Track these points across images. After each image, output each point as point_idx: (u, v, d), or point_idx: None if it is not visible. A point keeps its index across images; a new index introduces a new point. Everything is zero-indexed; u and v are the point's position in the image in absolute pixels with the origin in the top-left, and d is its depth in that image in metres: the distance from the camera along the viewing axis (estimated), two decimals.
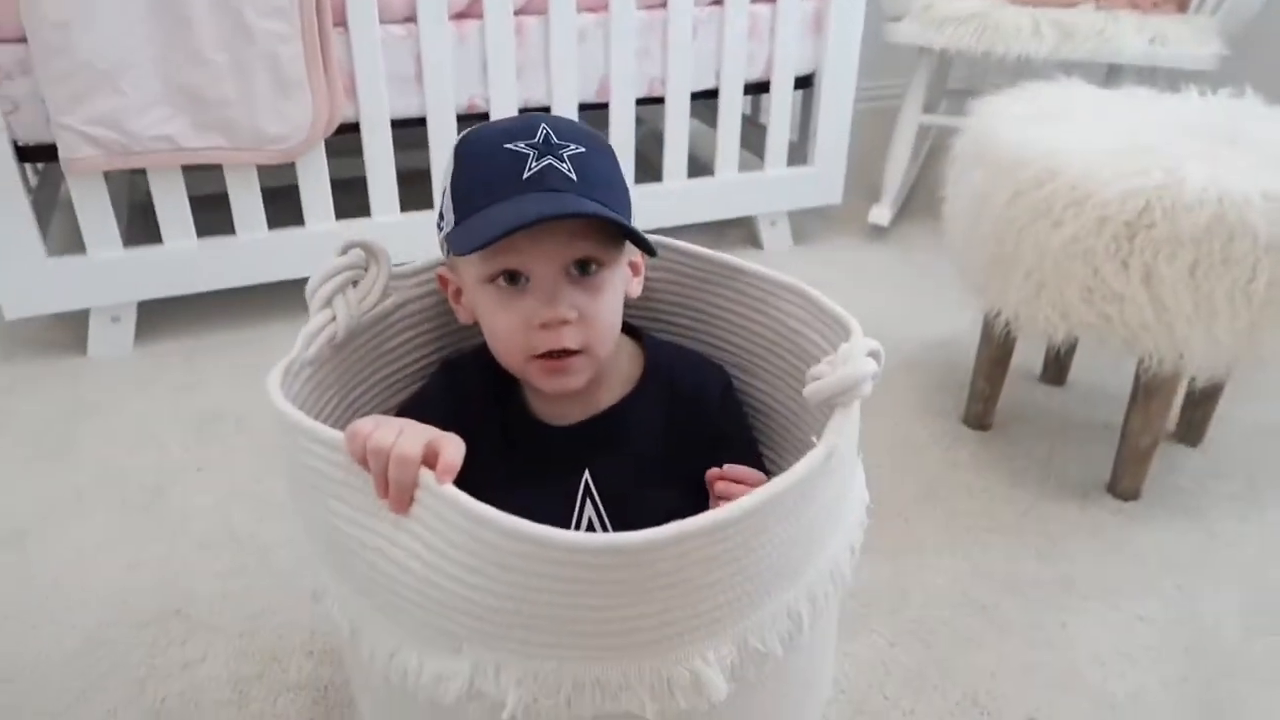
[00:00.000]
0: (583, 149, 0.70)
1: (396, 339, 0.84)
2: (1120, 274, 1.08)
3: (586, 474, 0.76)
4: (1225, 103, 1.29)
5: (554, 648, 0.55)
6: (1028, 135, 1.17)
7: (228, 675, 0.97)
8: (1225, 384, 1.29)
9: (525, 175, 0.68)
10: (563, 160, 0.69)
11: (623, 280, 0.76)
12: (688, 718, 0.59)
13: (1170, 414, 1.22)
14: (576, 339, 0.71)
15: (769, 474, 0.79)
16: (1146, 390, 1.17)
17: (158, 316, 1.65)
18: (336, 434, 0.60)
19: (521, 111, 1.68)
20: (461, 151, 0.72)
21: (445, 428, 0.63)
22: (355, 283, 0.76)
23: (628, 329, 0.80)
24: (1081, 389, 1.50)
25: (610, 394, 0.79)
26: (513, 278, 0.71)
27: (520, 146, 0.69)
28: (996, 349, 1.34)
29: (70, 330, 1.62)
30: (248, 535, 1.17)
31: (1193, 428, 1.36)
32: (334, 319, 0.74)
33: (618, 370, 0.80)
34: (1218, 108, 1.27)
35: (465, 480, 0.58)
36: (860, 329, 0.69)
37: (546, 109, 1.69)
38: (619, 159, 0.75)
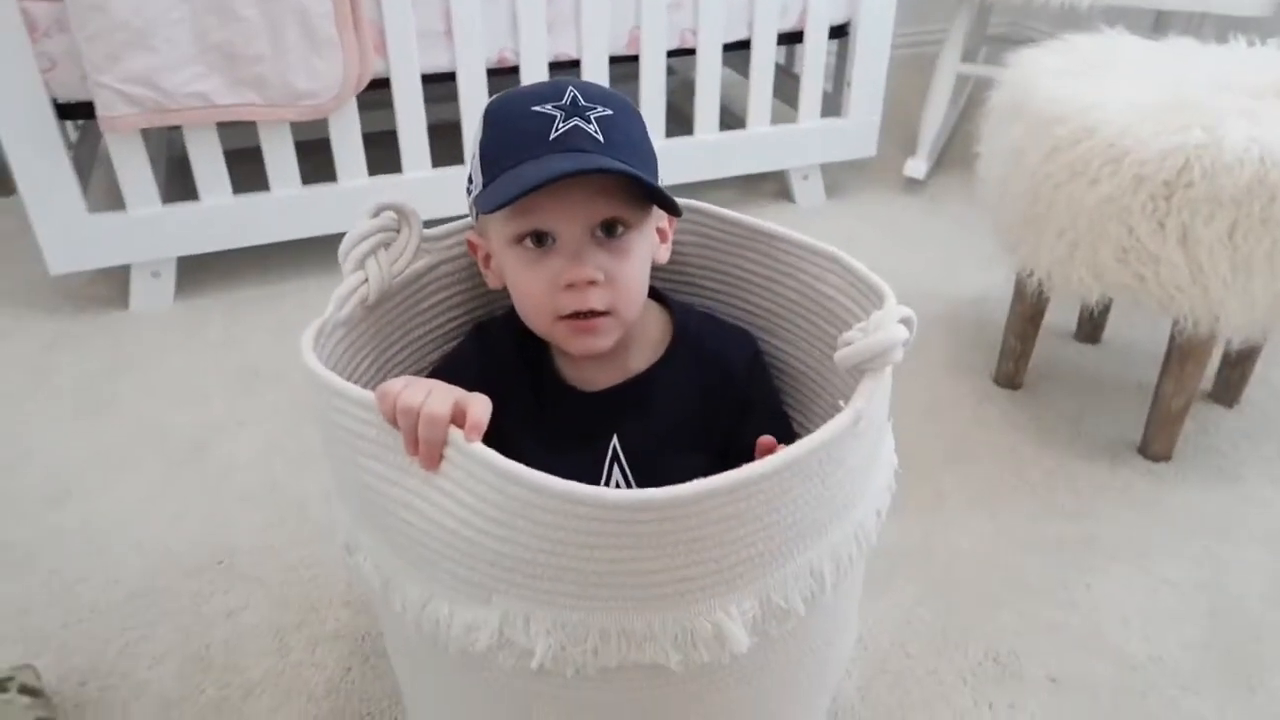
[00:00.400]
0: (610, 111, 0.71)
1: (429, 300, 0.85)
2: (1156, 235, 1.06)
3: (615, 439, 0.78)
4: (1274, 53, 1.25)
5: (580, 599, 0.57)
6: (1066, 89, 1.15)
7: (269, 624, 1.00)
8: (1263, 346, 1.27)
9: (552, 136, 0.68)
10: (589, 122, 0.69)
11: (650, 244, 0.77)
12: (711, 670, 0.61)
13: (1206, 375, 1.20)
14: (603, 300, 0.72)
15: (797, 438, 0.80)
16: (1181, 352, 1.16)
17: (198, 271, 1.68)
18: (367, 394, 0.61)
19: (551, 65, 1.67)
20: (489, 115, 0.73)
21: (476, 389, 0.64)
22: (387, 245, 0.77)
23: (655, 295, 0.81)
24: (1116, 347, 1.49)
25: (638, 360, 0.80)
26: (539, 239, 0.71)
27: (547, 109, 0.69)
28: (1029, 308, 1.33)
29: (113, 284, 1.66)
30: (287, 488, 1.20)
31: (1229, 388, 1.34)
32: (366, 281, 0.75)
33: (646, 336, 0.80)
34: (1266, 58, 1.24)
35: (495, 442, 0.60)
36: (894, 296, 0.69)
37: (577, 62, 1.68)
38: (649, 112, 0.75)
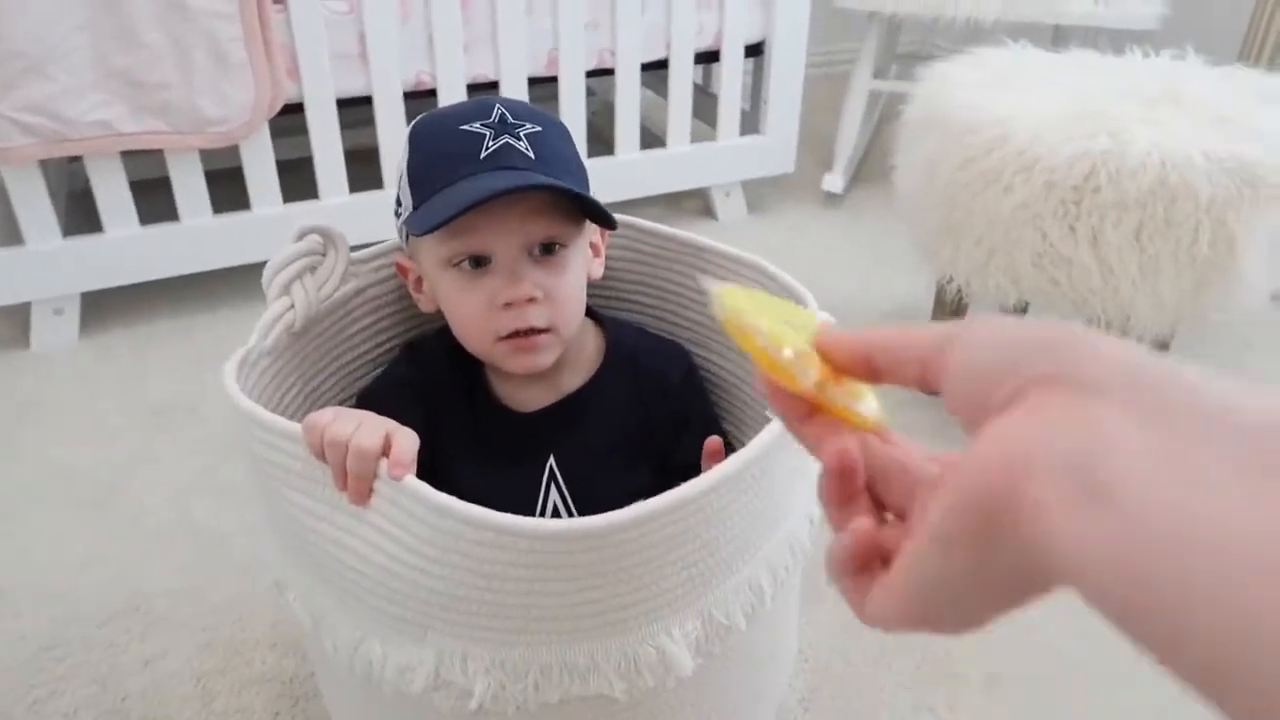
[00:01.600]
0: (539, 128, 0.70)
1: (357, 325, 0.83)
2: (1068, 238, 1.09)
3: (551, 459, 0.76)
4: (1168, 64, 1.31)
5: (520, 633, 0.55)
6: (978, 101, 1.18)
7: (190, 670, 0.95)
8: (1171, 343, 1.32)
9: (483, 154, 0.68)
10: (519, 139, 0.69)
11: (585, 259, 0.76)
12: (655, 695, 0.60)
13: None
14: (543, 317, 0.71)
15: (732, 450, 0.80)
16: None
17: (103, 307, 1.61)
18: (294, 426, 0.59)
19: (470, 87, 1.65)
20: (415, 136, 0.72)
21: (411, 411, 0.64)
22: (313, 269, 0.75)
23: (588, 312, 0.80)
24: None
25: (573, 378, 0.79)
26: (476, 261, 0.70)
27: (476, 127, 0.69)
28: (949, 315, 1.35)
29: (12, 324, 1.58)
30: (205, 527, 1.15)
31: None
32: (292, 307, 0.73)
33: (581, 354, 0.79)
34: (1161, 69, 1.29)
35: (431, 465, 0.58)
36: (814, 302, 0.70)
37: (495, 84, 1.67)
38: (571, 134, 0.75)
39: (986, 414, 0.27)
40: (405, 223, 0.72)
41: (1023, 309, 1.45)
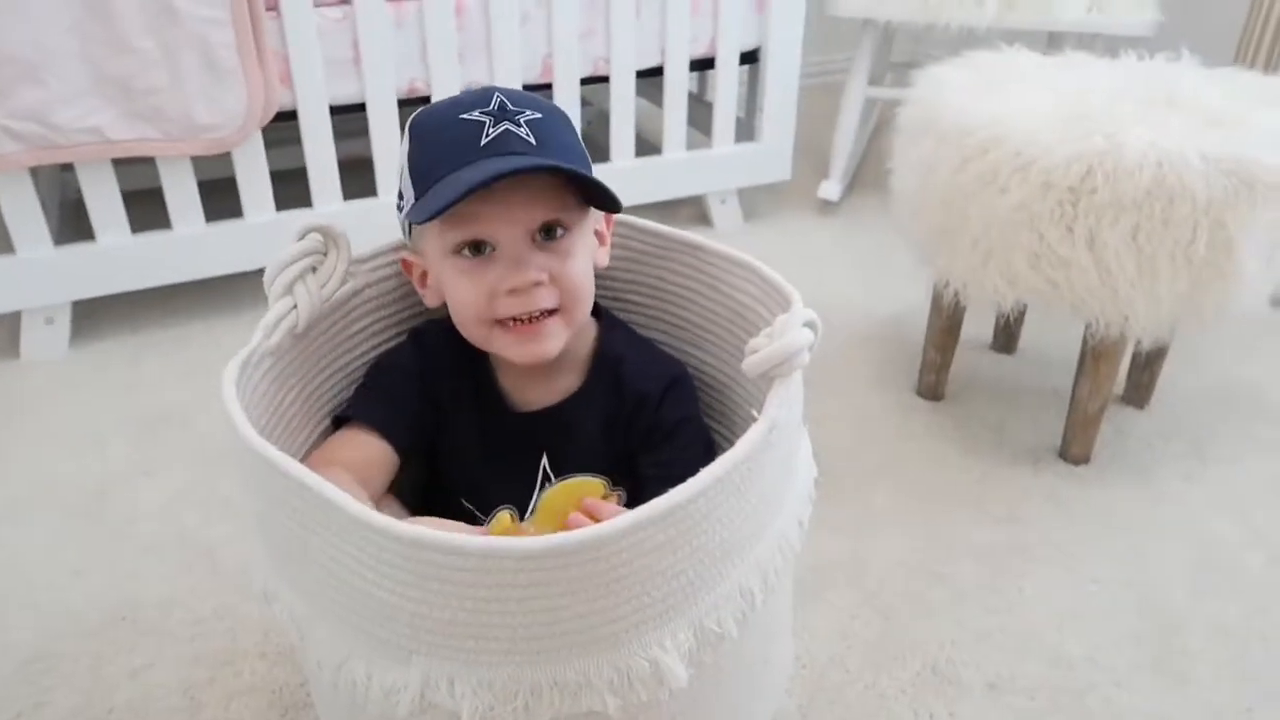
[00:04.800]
0: (539, 115, 0.69)
1: (356, 325, 0.82)
2: (1065, 239, 1.08)
3: (545, 459, 0.75)
4: (1163, 66, 1.30)
5: (508, 654, 0.53)
6: (973, 103, 1.17)
7: (178, 681, 0.94)
8: (1169, 346, 1.31)
9: (483, 142, 0.67)
10: (520, 125, 0.68)
11: (590, 245, 0.75)
12: (648, 709, 0.58)
13: (1118, 378, 1.23)
14: (551, 299, 0.70)
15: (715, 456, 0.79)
16: (1094, 355, 1.18)
17: (94, 316, 1.60)
18: (283, 458, 0.56)
19: None
20: (415, 128, 0.71)
21: (411, 397, 0.70)
22: (315, 269, 0.74)
23: (594, 311, 0.79)
24: (1031, 356, 1.52)
25: (569, 381, 0.78)
26: (477, 248, 0.69)
27: (475, 115, 0.68)
28: (946, 319, 1.34)
29: (2, 333, 1.56)
30: (195, 537, 1.14)
31: (1139, 391, 1.38)
32: (295, 307, 0.71)
33: (577, 356, 0.78)
34: (1156, 71, 1.28)
35: (432, 449, 0.63)
36: (800, 299, 0.69)
37: None
38: (572, 121, 0.74)
39: None
40: (407, 215, 0.72)
41: (1019, 314, 1.44)
